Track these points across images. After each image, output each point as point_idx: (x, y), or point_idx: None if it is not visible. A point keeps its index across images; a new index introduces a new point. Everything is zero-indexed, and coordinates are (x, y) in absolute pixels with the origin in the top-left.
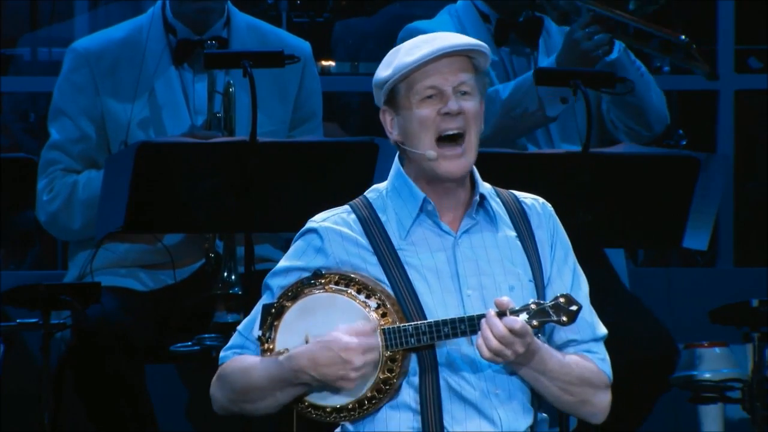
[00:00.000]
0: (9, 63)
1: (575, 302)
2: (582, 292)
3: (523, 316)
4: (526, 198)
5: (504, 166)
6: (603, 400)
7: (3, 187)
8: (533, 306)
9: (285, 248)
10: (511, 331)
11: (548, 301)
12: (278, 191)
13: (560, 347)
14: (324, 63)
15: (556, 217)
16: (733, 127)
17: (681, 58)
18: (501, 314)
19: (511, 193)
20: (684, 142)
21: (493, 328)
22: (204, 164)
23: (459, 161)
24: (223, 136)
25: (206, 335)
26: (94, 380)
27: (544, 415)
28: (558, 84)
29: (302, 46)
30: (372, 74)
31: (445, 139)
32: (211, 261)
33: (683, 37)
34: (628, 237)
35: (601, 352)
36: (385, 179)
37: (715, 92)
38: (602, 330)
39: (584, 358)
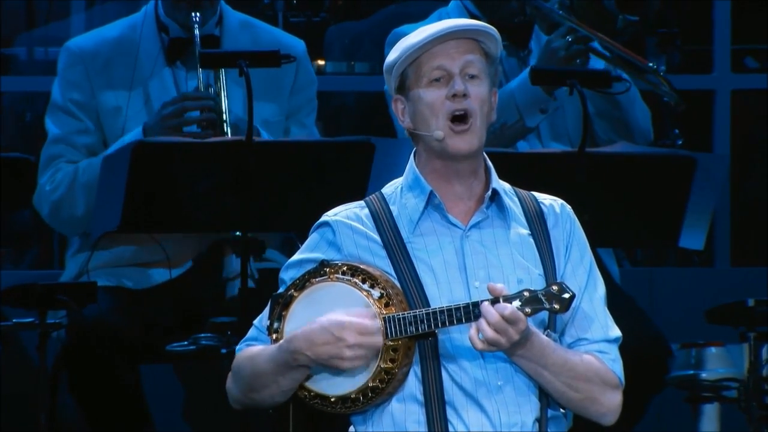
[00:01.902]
0: (6, 63)
1: (568, 290)
2: (597, 294)
3: (516, 303)
4: (545, 199)
5: (499, 166)
6: (612, 399)
7: None
8: (526, 293)
9: (280, 248)
10: (502, 316)
11: (540, 289)
12: (274, 191)
13: (571, 345)
14: (320, 63)
15: (576, 219)
16: (730, 127)
17: (650, 82)
18: (494, 300)
19: (531, 193)
20: (680, 142)
21: (486, 315)
22: (200, 164)
23: (466, 137)
24: (215, 119)
25: (202, 335)
26: (89, 380)
27: (559, 411)
28: (554, 83)
29: (296, 44)
30: (367, 74)
31: (453, 119)
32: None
33: (651, 64)
34: (624, 237)
35: (613, 353)
36: (381, 179)
37: (711, 92)
38: (616, 332)
39: (594, 357)
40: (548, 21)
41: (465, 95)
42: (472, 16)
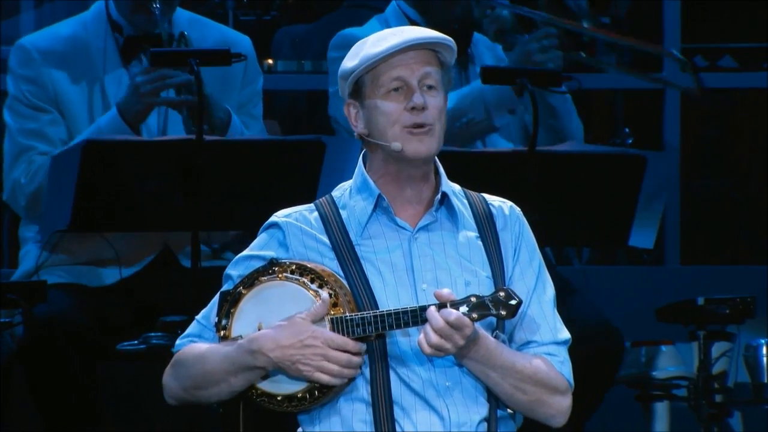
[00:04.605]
0: None
1: (515, 297)
2: (546, 296)
3: (463, 309)
4: (495, 201)
5: (449, 165)
6: (561, 402)
7: None
8: (473, 299)
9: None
10: (447, 322)
11: (487, 295)
12: (225, 190)
13: (519, 348)
14: (270, 61)
15: (524, 221)
16: (680, 126)
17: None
18: (441, 306)
19: (481, 195)
20: (630, 141)
21: (431, 321)
22: (150, 163)
23: (424, 142)
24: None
25: (152, 334)
26: (45, 378)
27: (507, 411)
28: (505, 83)
29: (242, 40)
30: (317, 72)
31: (412, 126)
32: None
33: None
34: (574, 236)
35: (562, 355)
36: (332, 177)
37: (661, 91)
38: (564, 335)
39: (543, 359)
40: (498, 24)
41: (424, 108)
42: (411, 22)
